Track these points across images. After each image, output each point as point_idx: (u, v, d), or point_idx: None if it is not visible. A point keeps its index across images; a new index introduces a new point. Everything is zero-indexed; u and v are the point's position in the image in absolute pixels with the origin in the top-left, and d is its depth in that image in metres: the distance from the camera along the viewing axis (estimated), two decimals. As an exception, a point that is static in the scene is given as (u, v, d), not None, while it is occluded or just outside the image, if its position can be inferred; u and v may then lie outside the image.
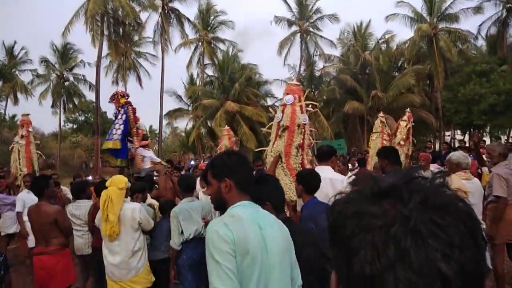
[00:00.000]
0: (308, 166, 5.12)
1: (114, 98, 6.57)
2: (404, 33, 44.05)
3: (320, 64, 31.87)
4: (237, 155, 2.02)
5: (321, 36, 30.64)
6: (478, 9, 25.23)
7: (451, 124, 26.92)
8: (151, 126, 51.88)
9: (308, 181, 3.10)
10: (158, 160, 6.33)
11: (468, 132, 26.12)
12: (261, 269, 1.65)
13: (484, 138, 21.55)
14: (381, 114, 10.53)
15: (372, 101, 26.01)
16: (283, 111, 5.20)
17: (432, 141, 21.95)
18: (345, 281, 0.56)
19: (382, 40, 29.21)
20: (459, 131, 28.65)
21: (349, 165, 8.67)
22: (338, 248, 0.57)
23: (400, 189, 0.55)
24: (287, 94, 5.29)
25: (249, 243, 1.63)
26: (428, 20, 26.43)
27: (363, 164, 7.48)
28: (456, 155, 4.28)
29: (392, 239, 0.50)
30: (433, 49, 25.17)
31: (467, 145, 12.73)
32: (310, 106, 5.63)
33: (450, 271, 0.47)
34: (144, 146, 6.47)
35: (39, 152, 8.19)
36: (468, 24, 44.20)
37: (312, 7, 30.28)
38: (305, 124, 5.25)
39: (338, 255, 0.57)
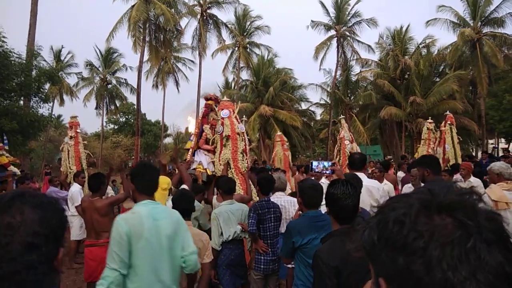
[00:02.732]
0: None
1: (206, 99, 7.10)
2: (445, 38, 42.62)
3: (356, 69, 31.50)
4: (142, 164, 2.76)
5: (358, 41, 30.28)
6: (526, 13, 24.04)
7: (494, 132, 25.75)
8: (187, 128, 53.12)
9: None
10: (205, 167, 6.54)
11: (513, 141, 24.85)
12: (154, 246, 2.38)
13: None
14: (429, 120, 10.49)
15: (410, 107, 25.35)
16: (222, 124, 6.13)
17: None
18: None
19: (423, 44, 28.43)
20: (503, 140, 27.32)
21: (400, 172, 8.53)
22: (409, 258, 0.61)
23: (459, 204, 0.64)
24: (222, 109, 6.22)
25: (144, 231, 2.35)
26: (472, 24, 25.49)
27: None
28: (498, 165, 4.20)
29: (472, 249, 0.58)
30: (477, 54, 24.24)
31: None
32: (244, 117, 6.54)
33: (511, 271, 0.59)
34: (208, 150, 6.72)
35: (88, 152, 8.72)
36: (515, 28, 42.05)
37: (350, 11, 30.00)
38: (243, 132, 6.18)
39: (409, 264, 0.61)
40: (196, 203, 4.52)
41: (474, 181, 6.16)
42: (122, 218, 2.45)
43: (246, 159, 6.14)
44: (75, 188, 6.51)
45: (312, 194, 2.95)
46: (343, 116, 10.52)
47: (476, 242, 0.59)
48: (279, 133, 11.39)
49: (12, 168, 7.10)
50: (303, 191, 2.99)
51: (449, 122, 9.58)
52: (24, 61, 14.70)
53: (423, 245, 0.60)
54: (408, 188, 6.10)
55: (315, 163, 4.37)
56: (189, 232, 2.64)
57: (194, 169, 6.35)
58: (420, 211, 0.64)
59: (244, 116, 6.78)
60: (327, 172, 4.23)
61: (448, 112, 10.21)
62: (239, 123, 6.29)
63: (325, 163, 4.29)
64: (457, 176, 6.50)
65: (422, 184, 3.69)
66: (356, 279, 2.09)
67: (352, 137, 9.97)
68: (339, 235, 2.19)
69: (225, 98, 6.66)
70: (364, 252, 0.72)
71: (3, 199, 0.89)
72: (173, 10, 25.61)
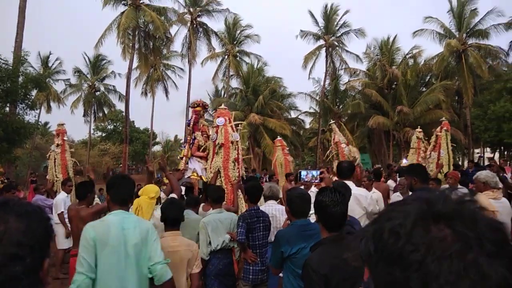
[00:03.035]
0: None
1: (193, 106, 7.03)
2: (431, 48, 43.50)
3: (345, 78, 31.87)
4: (117, 176, 2.94)
5: (346, 51, 30.68)
6: (510, 25, 24.67)
7: (480, 141, 26.23)
8: (176, 136, 52.93)
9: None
10: (200, 174, 6.48)
11: (498, 150, 25.33)
12: (120, 254, 2.47)
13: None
14: (418, 129, 10.64)
15: (398, 116, 25.70)
16: (216, 132, 6.13)
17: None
18: None
19: (410, 55, 28.96)
20: (488, 149, 27.82)
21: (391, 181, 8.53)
22: (405, 272, 0.58)
23: (459, 213, 0.60)
24: (218, 117, 6.22)
25: (109, 238, 2.45)
26: (457, 35, 26.07)
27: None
28: (484, 174, 4.26)
29: (472, 262, 0.55)
30: (462, 65, 24.76)
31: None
32: (240, 125, 6.69)
33: None
34: (200, 157, 6.68)
35: (74, 160, 8.60)
36: (499, 40, 43.29)
37: (339, 21, 30.42)
38: (237, 141, 6.15)
39: (405, 278, 0.58)
40: (197, 216, 4.44)
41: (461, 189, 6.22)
42: (91, 225, 2.57)
43: (238, 168, 6.11)
44: (61, 196, 6.42)
45: (300, 203, 2.93)
46: (334, 121, 10.39)
47: (477, 254, 0.55)
48: (279, 138, 11.45)
49: None
50: (291, 200, 2.97)
51: (445, 128, 9.75)
52: (11, 67, 14.49)
53: (419, 259, 0.57)
54: (396, 196, 6.13)
55: (303, 173, 4.39)
56: (158, 242, 2.69)
57: (189, 177, 6.30)
58: (417, 222, 0.60)
59: (239, 126, 6.74)
60: (316, 181, 4.24)
61: (444, 118, 10.42)
62: (234, 131, 6.26)
63: (314, 172, 4.30)
64: (444, 185, 6.58)
65: (410, 193, 3.72)
66: (346, 286, 2.10)
67: (347, 140, 9.82)
68: (329, 243, 2.19)
69: (222, 106, 6.64)
70: (361, 261, 0.69)
71: None
72: (163, 17, 25.61)
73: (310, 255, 2.22)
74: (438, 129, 9.97)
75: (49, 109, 34.71)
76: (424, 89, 28.45)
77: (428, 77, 29.90)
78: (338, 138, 9.18)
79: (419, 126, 11.32)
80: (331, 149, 8.94)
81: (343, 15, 30.08)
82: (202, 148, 6.75)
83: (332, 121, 10.09)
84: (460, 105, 28.41)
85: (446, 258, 0.56)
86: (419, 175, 3.47)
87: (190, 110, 7.22)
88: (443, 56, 25.54)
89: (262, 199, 4.73)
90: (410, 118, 25.14)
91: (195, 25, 30.83)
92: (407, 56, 28.90)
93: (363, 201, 3.87)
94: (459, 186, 6.32)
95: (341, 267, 2.02)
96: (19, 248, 0.84)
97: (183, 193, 5.04)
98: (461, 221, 0.59)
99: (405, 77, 26.47)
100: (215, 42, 32.28)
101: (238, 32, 33.03)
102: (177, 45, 40.01)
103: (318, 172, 4.46)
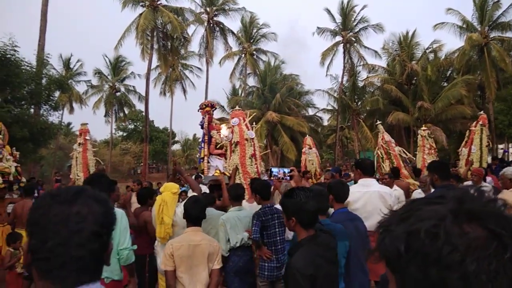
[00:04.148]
0: (265, 177, 6.11)
1: (202, 107, 7.29)
2: (452, 42, 42.39)
3: (363, 74, 31.41)
4: (96, 174, 3.41)
5: (365, 46, 30.22)
6: (535, 17, 23.83)
7: (504, 136, 25.46)
8: (195, 135, 53.42)
9: (337, 191, 3.19)
10: (222, 171, 6.68)
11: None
12: None
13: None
14: (423, 128, 10.33)
15: (418, 112, 25.20)
16: (232, 132, 6.50)
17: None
18: None
19: (430, 49, 28.29)
20: (513, 145, 26.98)
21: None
22: (444, 273, 0.58)
23: (490, 212, 0.61)
24: (233, 118, 6.64)
25: None
26: (479, 29, 25.34)
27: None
28: (511, 171, 4.16)
29: (509, 261, 0.56)
30: (485, 58, 24.05)
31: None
32: (254, 123, 7.14)
33: None
34: (219, 155, 6.92)
35: (97, 159, 8.78)
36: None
37: (356, 17, 30.01)
38: (252, 138, 6.46)
39: (444, 278, 0.58)
40: (215, 212, 4.43)
41: (485, 187, 6.09)
42: None
43: (256, 164, 6.30)
44: None
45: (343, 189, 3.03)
46: (380, 122, 9.95)
47: None
48: (306, 136, 11.80)
49: None
50: None
51: (481, 123, 9.15)
52: (34, 70, 14.91)
53: (459, 259, 0.57)
54: (418, 194, 6.05)
55: (275, 170, 4.46)
56: (127, 230, 3.24)
57: (213, 174, 6.49)
58: (453, 222, 0.60)
59: (254, 123, 7.06)
60: (287, 178, 4.28)
61: (481, 112, 9.89)
62: (249, 129, 6.50)
63: (285, 170, 4.37)
64: (467, 183, 6.42)
65: (433, 190, 3.67)
66: (328, 284, 2.15)
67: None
68: (307, 243, 2.20)
69: (236, 108, 6.95)
70: (382, 260, 0.67)
71: (69, 192, 0.96)
72: (180, 18, 25.82)
73: (293, 257, 2.19)
74: (474, 123, 9.37)
75: (71, 110, 35.65)
76: (445, 84, 27.79)
77: (450, 71, 29.17)
78: (388, 137, 8.79)
79: (427, 125, 11.01)
80: (378, 149, 8.71)
81: (360, 10, 29.67)
82: (219, 145, 6.98)
83: (379, 122, 9.74)
84: (483, 99, 27.62)
85: (485, 258, 0.57)
86: (439, 172, 3.41)
87: (200, 112, 7.38)
88: (465, 50, 24.87)
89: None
90: (431, 114, 24.62)
91: (212, 25, 31.01)
92: (427, 51, 28.24)
93: (388, 199, 3.76)
94: (483, 183, 6.19)
95: (323, 265, 2.10)
96: (100, 227, 0.94)
97: (207, 191, 5.08)
98: (493, 220, 0.60)
99: (426, 72, 25.91)
100: (231, 41, 32.45)
101: (255, 30, 33.04)
102: (195, 45, 40.40)
103: (289, 170, 4.51)
